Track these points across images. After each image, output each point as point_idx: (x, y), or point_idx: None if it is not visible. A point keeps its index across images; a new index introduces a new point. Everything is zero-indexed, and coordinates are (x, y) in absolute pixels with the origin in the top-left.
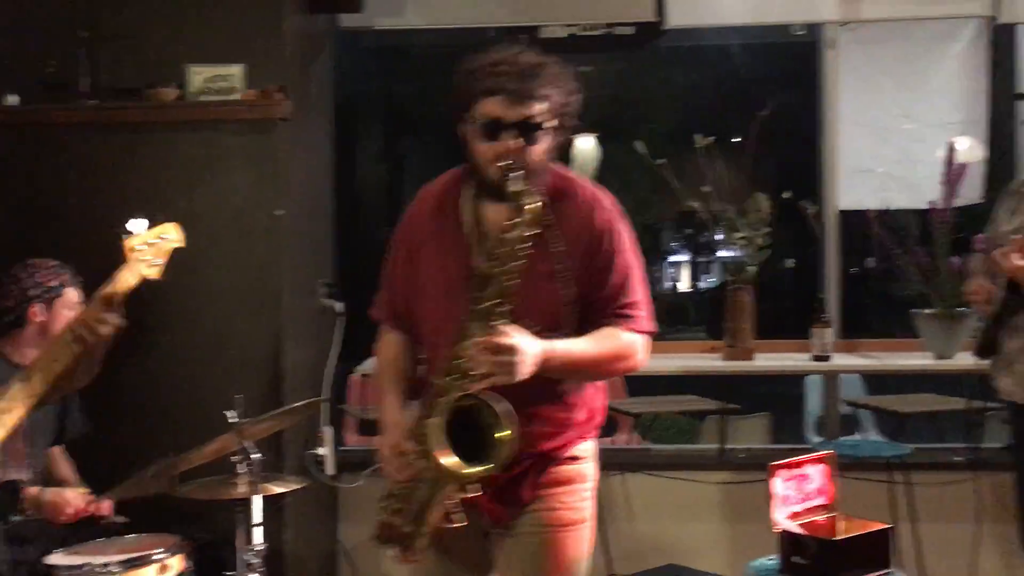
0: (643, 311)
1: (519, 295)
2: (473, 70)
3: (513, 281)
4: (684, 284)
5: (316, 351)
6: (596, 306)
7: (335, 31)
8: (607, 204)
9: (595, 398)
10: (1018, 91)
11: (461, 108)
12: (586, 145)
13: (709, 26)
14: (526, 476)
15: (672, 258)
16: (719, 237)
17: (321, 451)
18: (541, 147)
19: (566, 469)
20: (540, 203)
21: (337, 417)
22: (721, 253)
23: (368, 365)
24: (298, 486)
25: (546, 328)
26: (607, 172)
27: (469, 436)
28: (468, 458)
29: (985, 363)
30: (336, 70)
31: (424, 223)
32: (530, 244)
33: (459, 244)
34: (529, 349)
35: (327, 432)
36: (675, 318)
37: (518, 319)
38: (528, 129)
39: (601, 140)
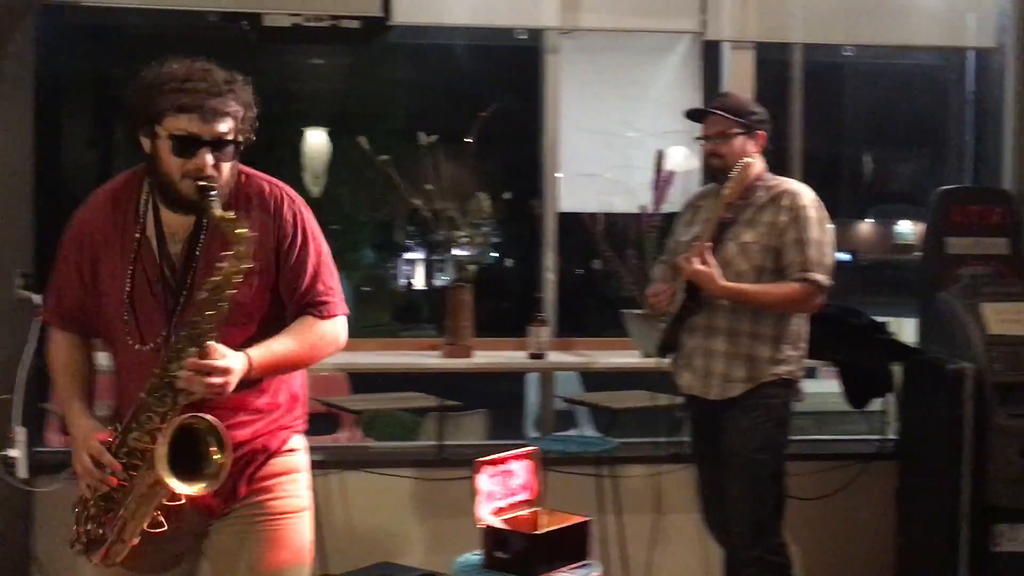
0: (336, 296)
1: None
2: (162, 83)
3: (224, 309)
4: (419, 282)
5: (11, 346)
6: (294, 296)
7: (36, 5)
8: (291, 195)
9: (292, 386)
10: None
11: (145, 120)
12: (317, 140)
13: (434, 25)
14: (241, 470)
15: (407, 255)
16: (443, 235)
17: (12, 452)
18: (230, 161)
19: (284, 460)
20: (247, 230)
21: (38, 416)
22: (457, 252)
23: None
24: None
25: (244, 318)
26: (340, 167)
27: (183, 451)
28: (181, 471)
29: (666, 361)
30: (39, 47)
31: (101, 226)
32: (242, 273)
33: (144, 251)
34: (236, 366)
35: (19, 432)
36: (408, 315)
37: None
38: (221, 146)
39: (333, 135)
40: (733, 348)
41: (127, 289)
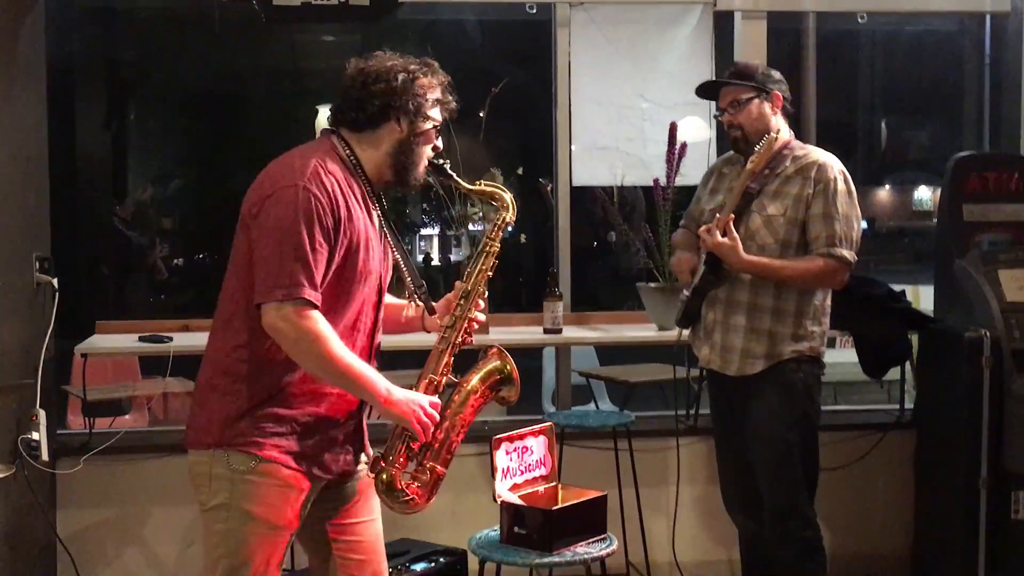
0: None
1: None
2: (434, 83)
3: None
4: (437, 258)
5: (31, 329)
6: None
7: None
8: None
9: None
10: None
11: (414, 109)
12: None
13: (444, 1)
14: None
15: (422, 231)
16: (457, 211)
17: (34, 436)
18: None
19: None
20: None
21: (60, 399)
22: (472, 227)
23: (93, 343)
24: (5, 474)
25: None
26: None
27: None
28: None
29: (685, 333)
30: (50, 31)
31: (340, 204)
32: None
33: (378, 232)
34: None
35: (41, 415)
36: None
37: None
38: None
39: None
40: (754, 323)
41: (376, 272)
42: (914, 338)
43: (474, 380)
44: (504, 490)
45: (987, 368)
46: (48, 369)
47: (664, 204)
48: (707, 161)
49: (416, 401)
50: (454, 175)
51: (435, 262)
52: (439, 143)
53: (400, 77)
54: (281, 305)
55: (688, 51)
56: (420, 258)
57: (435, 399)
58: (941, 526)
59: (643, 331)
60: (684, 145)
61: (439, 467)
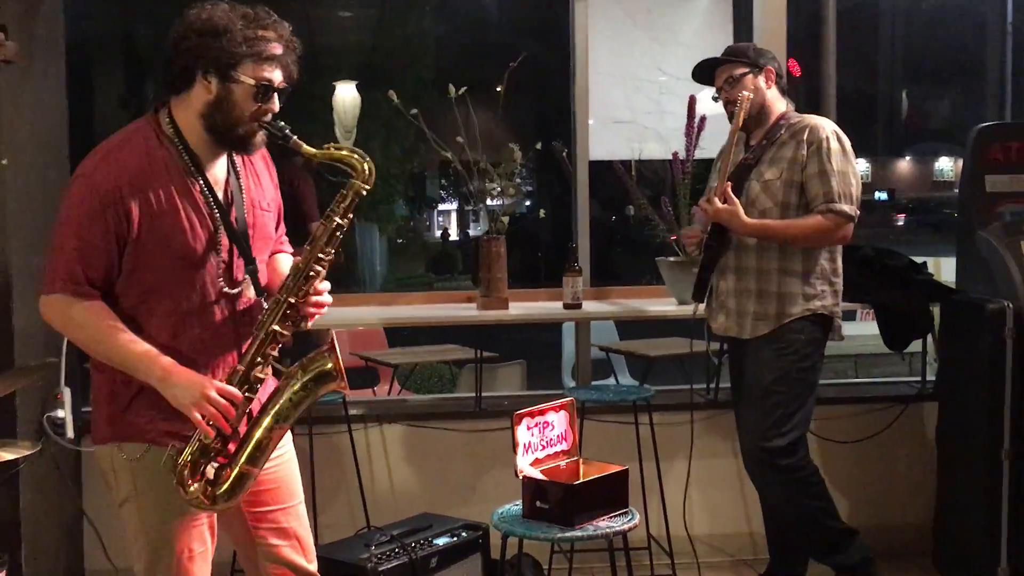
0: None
1: (256, 228)
2: (236, 30)
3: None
4: (453, 233)
5: None
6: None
7: None
8: None
9: None
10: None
11: (218, 64)
12: (347, 93)
13: None
14: None
15: (440, 207)
16: (475, 187)
17: (60, 413)
18: None
19: None
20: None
21: (83, 377)
22: (489, 203)
23: None
24: (31, 451)
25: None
26: (371, 121)
27: None
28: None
29: (701, 307)
30: (68, 9)
31: (136, 181)
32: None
33: (202, 206)
34: None
35: (66, 393)
36: (443, 267)
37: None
38: (280, 95)
39: (362, 88)
40: (764, 286)
41: (195, 249)
42: (936, 310)
43: (298, 375)
44: (526, 465)
45: (1010, 339)
46: (72, 348)
47: (684, 178)
48: (726, 134)
49: (200, 388)
50: (293, 138)
51: (453, 237)
52: (274, 104)
53: (210, 30)
54: (48, 298)
55: (706, 23)
56: (438, 234)
57: (231, 388)
58: (963, 498)
59: (663, 305)
60: (703, 118)
61: (248, 467)
